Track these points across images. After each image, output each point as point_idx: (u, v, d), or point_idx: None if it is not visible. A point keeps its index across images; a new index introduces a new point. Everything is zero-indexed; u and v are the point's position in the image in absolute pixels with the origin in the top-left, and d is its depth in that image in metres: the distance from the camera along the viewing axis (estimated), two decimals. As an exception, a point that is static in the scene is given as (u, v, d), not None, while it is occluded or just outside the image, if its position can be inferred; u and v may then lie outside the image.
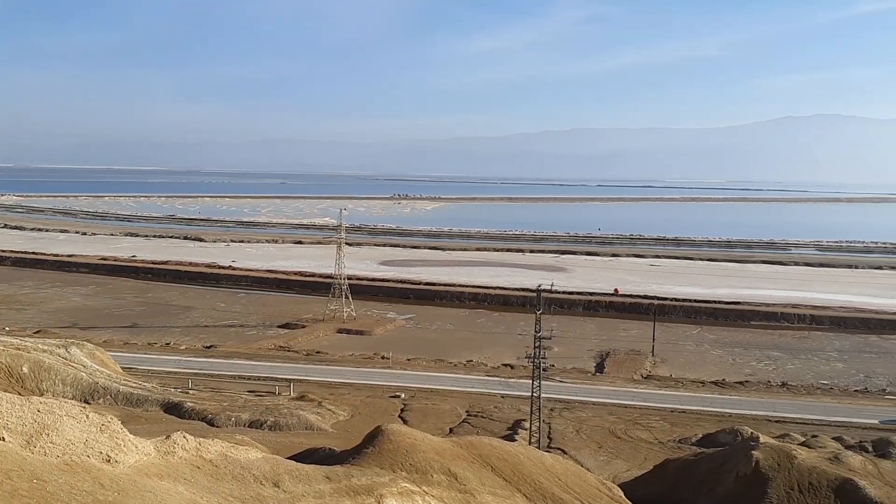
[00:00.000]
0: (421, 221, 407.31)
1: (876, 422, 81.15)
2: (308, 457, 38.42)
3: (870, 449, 63.97)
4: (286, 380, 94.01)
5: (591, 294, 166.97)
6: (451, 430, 76.59)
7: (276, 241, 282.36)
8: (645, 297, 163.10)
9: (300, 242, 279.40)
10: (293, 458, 34.88)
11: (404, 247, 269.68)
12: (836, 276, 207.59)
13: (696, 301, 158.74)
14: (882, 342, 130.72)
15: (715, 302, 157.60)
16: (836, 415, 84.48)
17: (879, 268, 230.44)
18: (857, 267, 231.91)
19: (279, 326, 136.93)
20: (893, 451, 60.29)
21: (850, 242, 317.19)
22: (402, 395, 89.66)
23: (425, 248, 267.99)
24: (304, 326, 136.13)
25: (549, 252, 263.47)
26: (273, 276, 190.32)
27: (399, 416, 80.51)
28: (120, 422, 22.66)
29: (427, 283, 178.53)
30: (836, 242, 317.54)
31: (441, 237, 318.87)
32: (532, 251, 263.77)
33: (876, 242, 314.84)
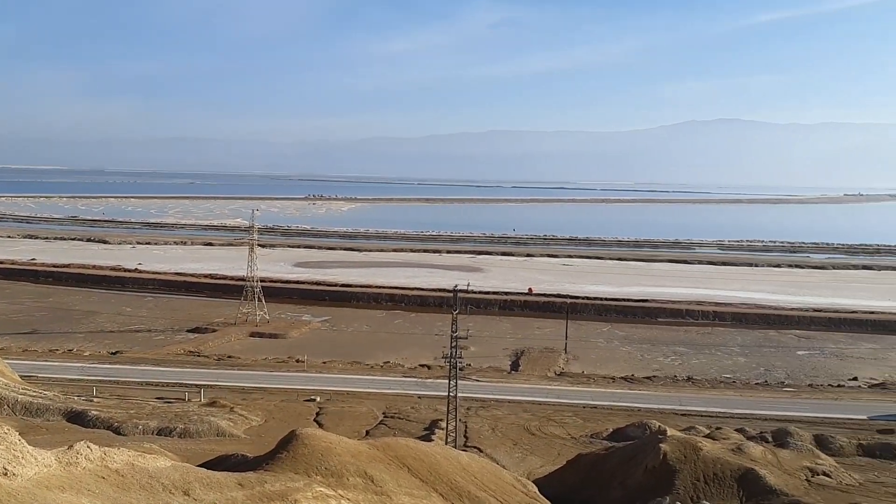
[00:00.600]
0: (337, 222, 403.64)
1: (774, 413, 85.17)
2: (220, 464, 37.45)
3: (769, 439, 67.13)
4: (196, 385, 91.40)
5: (506, 294, 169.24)
6: (367, 432, 76.15)
7: (184, 243, 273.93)
8: (558, 296, 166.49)
9: (210, 244, 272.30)
10: (204, 465, 33.96)
11: (320, 248, 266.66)
12: (737, 274, 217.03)
13: (606, 299, 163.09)
14: (780, 337, 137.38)
15: (624, 300, 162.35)
16: (739, 407, 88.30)
17: (778, 266, 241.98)
18: (756, 265, 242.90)
19: (189, 331, 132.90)
20: (791, 441, 63.41)
21: (751, 242, 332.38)
22: (318, 399, 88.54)
23: (341, 249, 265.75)
24: (214, 330, 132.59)
25: (466, 252, 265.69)
26: (182, 279, 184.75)
27: (314, 420, 79.48)
28: (18, 433, 21.56)
29: (343, 285, 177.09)
30: (738, 242, 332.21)
31: (357, 238, 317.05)
32: (449, 252, 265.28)
33: (774, 241, 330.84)
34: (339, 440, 37.92)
